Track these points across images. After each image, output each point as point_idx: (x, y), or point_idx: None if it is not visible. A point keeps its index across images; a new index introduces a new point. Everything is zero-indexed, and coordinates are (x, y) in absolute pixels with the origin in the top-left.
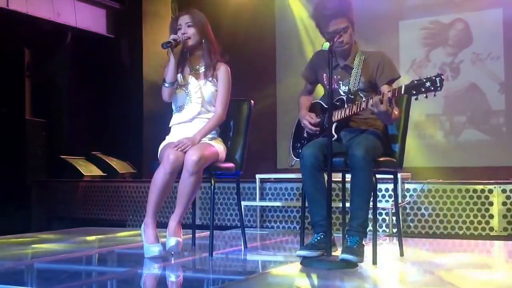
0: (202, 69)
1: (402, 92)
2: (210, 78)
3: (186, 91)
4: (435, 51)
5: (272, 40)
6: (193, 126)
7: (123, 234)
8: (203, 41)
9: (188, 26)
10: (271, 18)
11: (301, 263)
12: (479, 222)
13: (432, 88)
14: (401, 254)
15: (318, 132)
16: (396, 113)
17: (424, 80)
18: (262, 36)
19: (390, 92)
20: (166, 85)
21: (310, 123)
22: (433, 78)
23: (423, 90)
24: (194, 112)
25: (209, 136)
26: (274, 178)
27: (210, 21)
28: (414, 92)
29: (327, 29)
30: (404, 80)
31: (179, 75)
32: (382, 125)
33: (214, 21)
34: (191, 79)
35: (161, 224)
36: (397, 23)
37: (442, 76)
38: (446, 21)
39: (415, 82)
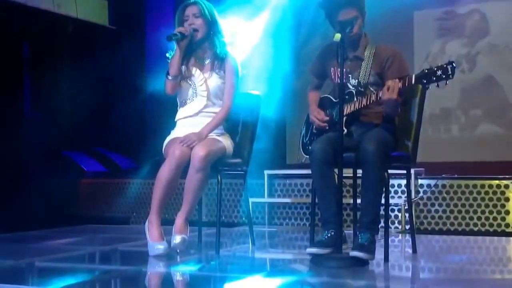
0: (208, 61)
1: (413, 82)
2: (217, 70)
3: (191, 84)
4: (451, 43)
5: None
6: (199, 120)
7: (126, 231)
8: (211, 33)
9: (196, 17)
10: None
11: (311, 261)
12: (495, 218)
13: (444, 77)
14: (414, 251)
15: (327, 127)
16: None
17: (435, 69)
18: None
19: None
20: (170, 78)
21: (317, 119)
22: (444, 66)
23: (434, 79)
24: (200, 105)
25: (216, 131)
26: (283, 174)
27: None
28: (425, 81)
29: (337, 18)
30: None
31: (183, 66)
32: (395, 119)
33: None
34: (196, 71)
35: (170, 221)
36: (411, 14)
37: (454, 64)
38: (462, 11)
39: (426, 71)
